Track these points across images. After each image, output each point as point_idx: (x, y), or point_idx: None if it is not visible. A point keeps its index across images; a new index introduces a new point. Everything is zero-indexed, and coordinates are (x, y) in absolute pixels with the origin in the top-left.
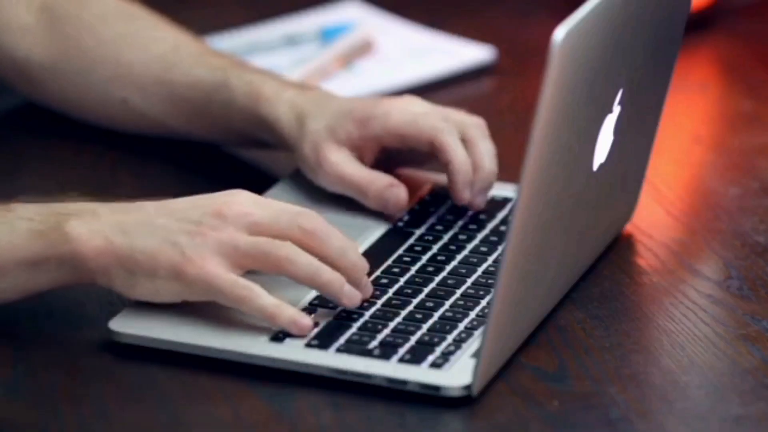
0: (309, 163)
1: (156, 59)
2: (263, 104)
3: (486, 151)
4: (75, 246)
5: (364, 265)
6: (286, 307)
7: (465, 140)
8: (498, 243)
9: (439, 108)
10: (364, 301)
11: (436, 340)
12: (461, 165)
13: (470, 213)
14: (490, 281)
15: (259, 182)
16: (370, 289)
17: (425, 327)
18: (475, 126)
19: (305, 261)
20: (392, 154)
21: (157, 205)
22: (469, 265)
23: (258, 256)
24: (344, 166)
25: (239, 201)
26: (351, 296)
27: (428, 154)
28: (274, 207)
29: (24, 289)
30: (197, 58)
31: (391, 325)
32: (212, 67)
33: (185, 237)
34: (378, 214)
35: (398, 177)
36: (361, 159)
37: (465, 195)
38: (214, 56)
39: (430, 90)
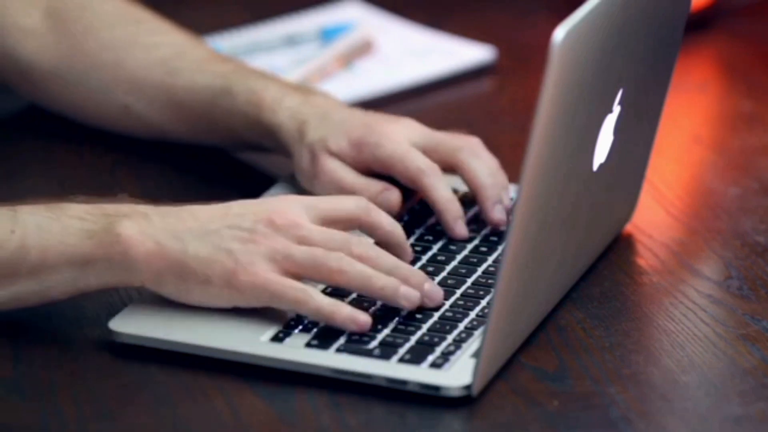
0: (306, 171)
1: (158, 64)
2: (265, 111)
3: (481, 168)
4: (125, 248)
5: (419, 273)
6: (343, 305)
7: (457, 165)
8: (498, 243)
9: (431, 134)
10: (433, 307)
11: (436, 340)
12: (445, 205)
13: (470, 213)
14: (490, 281)
15: (257, 182)
16: (436, 292)
17: (425, 327)
18: (466, 147)
19: (358, 269)
20: None
21: (207, 211)
22: (469, 265)
23: (311, 266)
24: (339, 172)
25: (291, 210)
26: (409, 296)
27: None
28: (328, 211)
29: (72, 289)
30: (200, 63)
31: (391, 325)
32: (215, 74)
33: (237, 244)
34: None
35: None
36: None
37: (457, 230)
38: (218, 62)
39: (430, 90)
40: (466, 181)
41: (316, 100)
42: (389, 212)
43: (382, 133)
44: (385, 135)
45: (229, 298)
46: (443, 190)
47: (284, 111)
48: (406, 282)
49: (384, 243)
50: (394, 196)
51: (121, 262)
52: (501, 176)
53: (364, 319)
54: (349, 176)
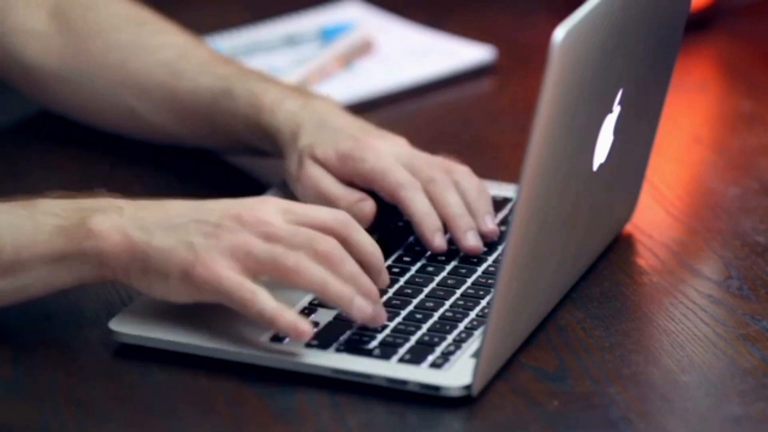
0: (292, 175)
1: (162, 66)
2: (264, 114)
3: (450, 199)
4: (97, 242)
5: (374, 291)
6: (287, 311)
7: (430, 196)
8: (498, 243)
9: (416, 157)
10: (375, 327)
11: (436, 340)
12: (421, 218)
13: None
14: (490, 281)
15: (254, 185)
16: (382, 315)
17: (425, 327)
18: (439, 181)
19: (315, 273)
20: None
21: (180, 205)
22: (469, 265)
23: (269, 264)
24: (320, 179)
25: (262, 208)
26: (362, 309)
27: None
28: (303, 217)
29: (48, 286)
30: (203, 65)
31: (391, 325)
32: (217, 76)
33: (200, 237)
34: (378, 216)
35: None
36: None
37: (435, 243)
38: (221, 64)
39: (430, 90)
40: (439, 208)
41: (316, 105)
42: (362, 222)
43: (367, 148)
44: (371, 150)
45: (187, 292)
46: (420, 204)
47: (283, 114)
48: (363, 294)
49: (360, 263)
50: (368, 206)
51: (94, 257)
52: (478, 203)
53: (304, 327)
54: (329, 183)
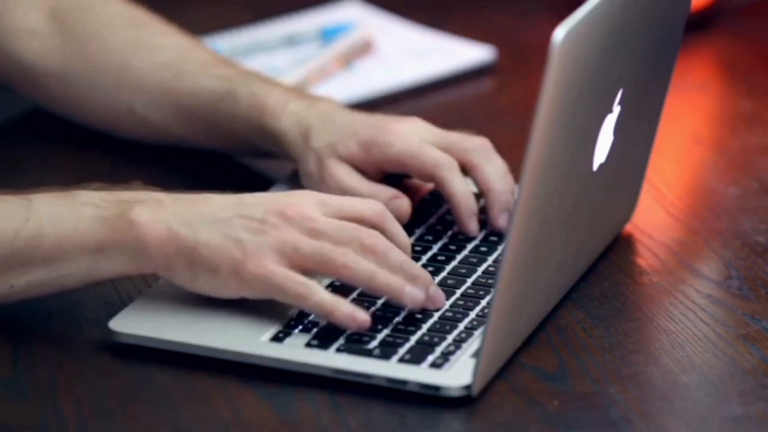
0: (313, 178)
1: (162, 67)
2: (268, 117)
3: (493, 172)
4: (139, 234)
5: (426, 275)
6: (344, 303)
7: (469, 166)
8: (498, 243)
9: (442, 134)
10: (433, 309)
11: (436, 340)
12: (462, 200)
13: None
14: (490, 281)
15: (256, 184)
16: (439, 296)
17: (425, 327)
18: (479, 148)
19: (363, 267)
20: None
21: (222, 199)
22: (469, 265)
23: (318, 260)
24: (347, 179)
25: (303, 203)
26: (413, 296)
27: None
28: (340, 210)
29: (87, 276)
30: (204, 67)
31: (391, 325)
32: (218, 77)
33: (247, 233)
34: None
35: (399, 183)
36: (365, 175)
37: (470, 227)
38: (222, 65)
39: (430, 90)
40: (478, 183)
41: (320, 105)
42: (400, 220)
43: (391, 132)
44: (395, 134)
45: (235, 287)
46: (460, 185)
47: (288, 116)
48: (413, 281)
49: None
50: (405, 204)
51: (134, 248)
52: (509, 180)
53: (363, 317)
54: (357, 182)
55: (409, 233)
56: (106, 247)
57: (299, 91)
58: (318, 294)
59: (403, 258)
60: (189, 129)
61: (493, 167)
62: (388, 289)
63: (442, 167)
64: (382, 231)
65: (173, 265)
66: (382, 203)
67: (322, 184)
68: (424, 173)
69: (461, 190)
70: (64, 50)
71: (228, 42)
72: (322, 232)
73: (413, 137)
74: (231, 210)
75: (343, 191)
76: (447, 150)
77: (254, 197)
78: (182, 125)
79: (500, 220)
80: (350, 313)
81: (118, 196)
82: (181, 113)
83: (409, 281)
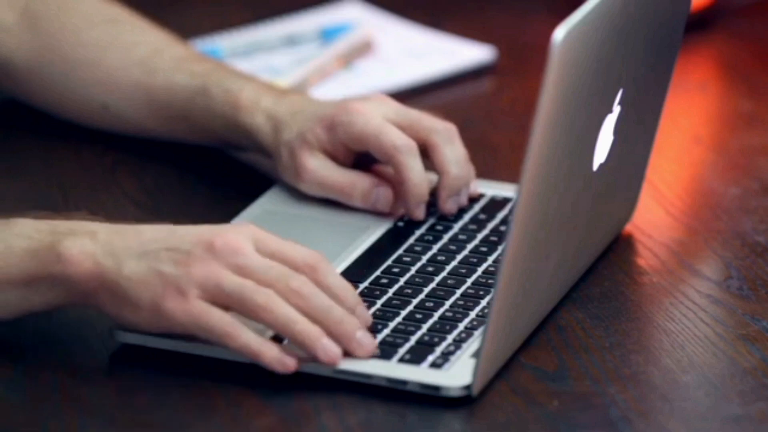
0: (289, 171)
1: (136, 64)
2: (241, 113)
3: (451, 155)
4: (64, 268)
5: (353, 322)
6: (271, 346)
7: (429, 146)
8: (498, 243)
9: (407, 111)
10: (363, 356)
11: (436, 340)
12: (413, 187)
13: (470, 214)
14: (490, 281)
15: (257, 183)
16: (367, 341)
17: (425, 327)
18: (443, 131)
19: (283, 311)
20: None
21: (153, 231)
22: (469, 265)
23: (237, 298)
24: (323, 171)
25: (236, 237)
26: (327, 351)
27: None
28: (276, 252)
29: (18, 309)
30: (178, 63)
31: (391, 325)
32: (192, 74)
33: (171, 266)
34: (378, 214)
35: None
36: (338, 161)
37: (416, 213)
38: (196, 61)
39: (430, 90)
40: (435, 164)
41: (290, 98)
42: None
43: (353, 111)
44: (357, 112)
45: (158, 323)
46: (416, 172)
47: (260, 112)
48: (336, 328)
49: (336, 302)
50: (387, 193)
51: (63, 282)
52: (468, 168)
53: (290, 362)
54: (333, 173)
55: (410, 234)
56: (35, 281)
57: (272, 86)
58: (244, 335)
59: (328, 304)
60: (163, 125)
61: (453, 151)
62: (303, 339)
63: (400, 150)
64: (316, 282)
65: (99, 298)
66: (322, 254)
67: (299, 178)
68: (382, 154)
69: (415, 177)
70: (38, 46)
71: (228, 42)
72: (249, 268)
73: (375, 115)
74: (160, 242)
75: (321, 184)
76: (409, 127)
77: (188, 229)
78: (156, 121)
79: (447, 205)
80: (277, 356)
81: (53, 227)
82: (155, 110)
83: (333, 329)
